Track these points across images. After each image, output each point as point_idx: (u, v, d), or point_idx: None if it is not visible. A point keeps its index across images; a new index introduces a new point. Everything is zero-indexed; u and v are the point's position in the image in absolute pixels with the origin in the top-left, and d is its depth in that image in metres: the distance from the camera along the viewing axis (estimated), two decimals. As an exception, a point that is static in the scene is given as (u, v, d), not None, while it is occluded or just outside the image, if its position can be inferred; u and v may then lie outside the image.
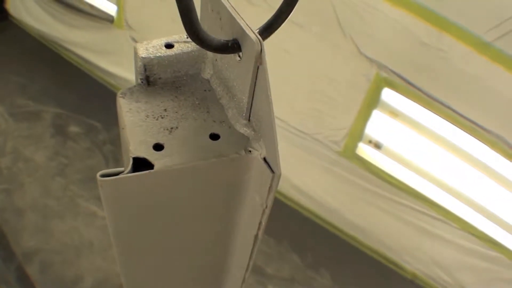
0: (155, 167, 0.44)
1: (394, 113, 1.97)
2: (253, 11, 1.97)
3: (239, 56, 0.46)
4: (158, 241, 0.52)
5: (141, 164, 0.44)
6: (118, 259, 0.53)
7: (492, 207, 1.88)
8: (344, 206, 2.27)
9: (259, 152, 0.46)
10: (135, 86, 0.51)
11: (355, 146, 2.10)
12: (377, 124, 2.02)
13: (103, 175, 0.42)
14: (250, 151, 0.47)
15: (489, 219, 1.90)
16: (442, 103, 1.80)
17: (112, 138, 2.79)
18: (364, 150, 2.11)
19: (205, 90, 0.52)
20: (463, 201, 1.93)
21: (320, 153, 2.20)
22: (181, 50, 0.51)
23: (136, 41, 2.67)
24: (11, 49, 3.25)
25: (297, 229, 2.38)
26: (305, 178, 2.32)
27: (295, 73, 2.09)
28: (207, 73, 0.53)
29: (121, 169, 0.43)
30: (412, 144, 1.98)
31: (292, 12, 0.49)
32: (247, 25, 0.44)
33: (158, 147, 0.46)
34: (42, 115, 2.89)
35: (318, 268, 2.32)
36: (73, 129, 2.84)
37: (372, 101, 1.96)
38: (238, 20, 0.44)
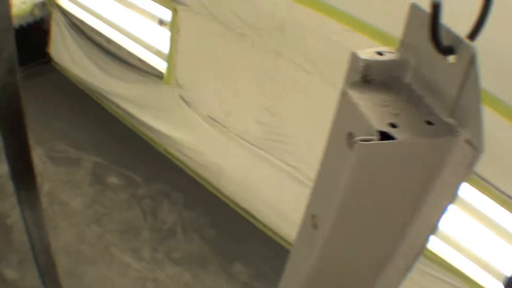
0: (398, 139, 0.53)
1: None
2: (308, 79, 2.07)
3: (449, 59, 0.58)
4: (369, 211, 0.60)
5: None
6: (326, 231, 0.60)
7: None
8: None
9: (464, 136, 0.56)
10: (354, 83, 0.61)
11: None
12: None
13: (362, 140, 0.51)
14: (457, 135, 0.57)
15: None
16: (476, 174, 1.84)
17: (152, 194, 2.78)
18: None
19: (408, 91, 0.62)
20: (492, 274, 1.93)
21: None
22: (389, 58, 0.63)
23: (184, 100, 2.72)
24: (53, 93, 3.29)
25: None
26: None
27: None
28: (408, 78, 0.63)
29: (369, 137, 0.52)
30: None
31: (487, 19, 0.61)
32: (459, 34, 0.56)
33: (392, 125, 0.55)
34: (82, 162, 2.92)
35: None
36: (113, 180, 2.85)
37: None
38: (452, 31, 0.56)
